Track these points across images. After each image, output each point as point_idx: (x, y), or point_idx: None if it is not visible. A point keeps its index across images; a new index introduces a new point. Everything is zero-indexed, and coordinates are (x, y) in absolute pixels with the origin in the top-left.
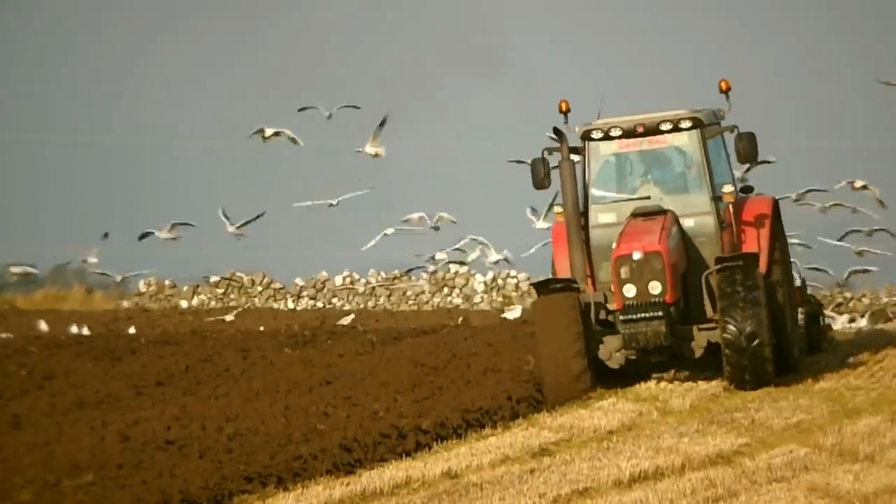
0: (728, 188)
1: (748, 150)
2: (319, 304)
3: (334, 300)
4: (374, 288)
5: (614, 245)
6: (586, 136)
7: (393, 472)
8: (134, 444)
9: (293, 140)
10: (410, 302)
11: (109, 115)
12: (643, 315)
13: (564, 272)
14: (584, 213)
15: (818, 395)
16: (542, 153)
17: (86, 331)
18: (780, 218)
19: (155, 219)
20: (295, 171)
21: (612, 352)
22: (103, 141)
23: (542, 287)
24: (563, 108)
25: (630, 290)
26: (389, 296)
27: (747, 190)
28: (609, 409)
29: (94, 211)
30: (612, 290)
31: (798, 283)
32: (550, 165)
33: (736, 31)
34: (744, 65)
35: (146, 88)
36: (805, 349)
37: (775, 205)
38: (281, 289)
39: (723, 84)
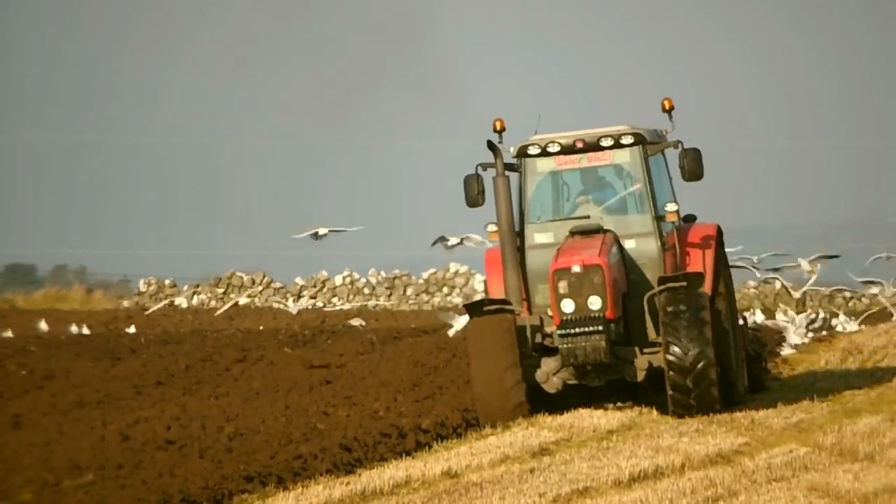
0: (671, 207)
1: (693, 167)
2: (320, 304)
3: (334, 300)
4: (373, 287)
5: (552, 260)
6: (522, 153)
7: (393, 471)
8: (134, 444)
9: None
10: (411, 301)
11: (110, 116)
12: (582, 330)
13: (499, 296)
14: (520, 233)
15: (818, 395)
16: (476, 169)
17: (86, 330)
18: (724, 248)
19: (155, 219)
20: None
21: (549, 374)
22: (104, 141)
23: (475, 308)
24: (498, 128)
25: (568, 305)
26: (390, 296)
27: (690, 218)
28: (609, 409)
29: (95, 211)
30: (550, 307)
31: (741, 321)
32: (485, 182)
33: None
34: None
35: (147, 90)
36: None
37: (719, 231)
38: (281, 288)
39: (665, 103)
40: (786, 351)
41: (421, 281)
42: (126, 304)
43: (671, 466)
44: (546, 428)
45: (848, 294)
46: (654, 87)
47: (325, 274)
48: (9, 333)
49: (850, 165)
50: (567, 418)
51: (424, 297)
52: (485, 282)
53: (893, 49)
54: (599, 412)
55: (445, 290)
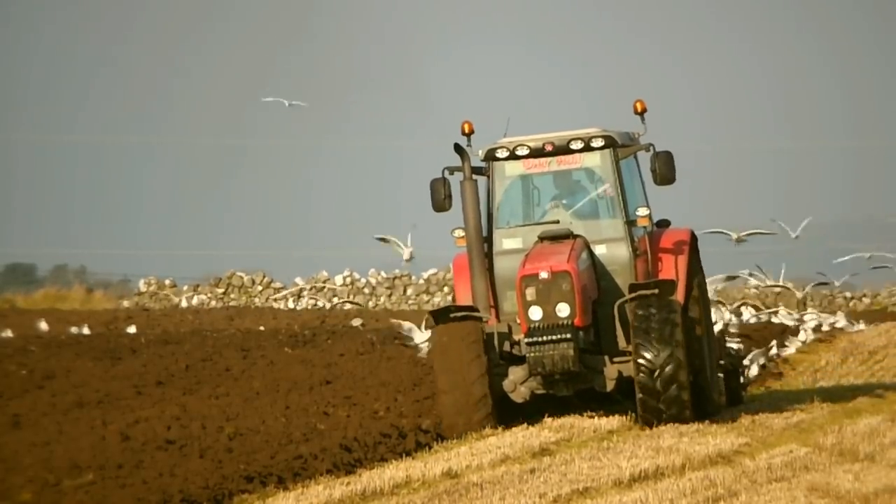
0: (643, 211)
1: (665, 170)
2: (320, 304)
3: (335, 299)
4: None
5: (519, 266)
6: (490, 156)
7: (393, 471)
8: (134, 443)
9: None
10: (411, 301)
11: (109, 116)
12: (550, 338)
13: (467, 303)
14: (488, 239)
15: (818, 395)
16: (443, 172)
17: (86, 330)
18: (699, 253)
19: (156, 220)
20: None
21: (516, 383)
22: (104, 141)
23: (441, 315)
24: (466, 130)
25: (536, 313)
26: (390, 296)
27: (664, 224)
28: (609, 409)
29: (95, 211)
30: (517, 314)
31: (717, 334)
32: (451, 186)
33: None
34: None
35: (146, 90)
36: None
37: (693, 237)
38: (281, 288)
39: (638, 105)
40: (787, 351)
41: (421, 281)
42: (126, 304)
43: (671, 467)
44: (546, 428)
45: (848, 294)
46: (652, 89)
47: (325, 274)
48: (9, 333)
49: (850, 165)
50: (567, 418)
51: (424, 297)
52: (453, 289)
53: (893, 49)
54: (600, 412)
55: (446, 289)
